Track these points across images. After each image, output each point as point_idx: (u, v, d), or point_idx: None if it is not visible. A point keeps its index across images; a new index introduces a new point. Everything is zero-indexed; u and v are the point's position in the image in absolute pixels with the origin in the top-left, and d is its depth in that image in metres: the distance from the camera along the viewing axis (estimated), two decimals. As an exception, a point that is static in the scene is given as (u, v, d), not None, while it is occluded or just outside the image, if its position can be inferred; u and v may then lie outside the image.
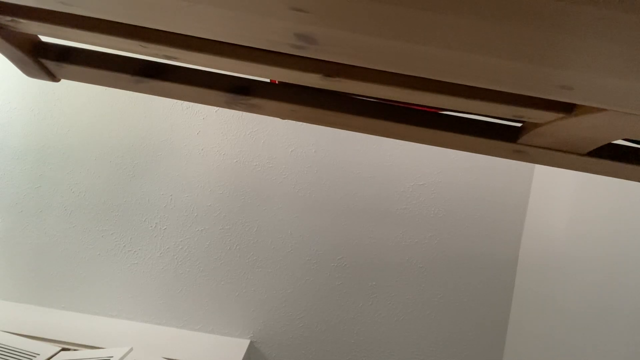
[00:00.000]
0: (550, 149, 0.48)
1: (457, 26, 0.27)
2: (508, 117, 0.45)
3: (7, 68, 1.20)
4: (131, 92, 1.18)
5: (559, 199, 1.08)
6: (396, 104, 0.49)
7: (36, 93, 1.26)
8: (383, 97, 0.46)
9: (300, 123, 1.23)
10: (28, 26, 0.41)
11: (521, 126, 0.48)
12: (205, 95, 0.50)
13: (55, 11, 0.39)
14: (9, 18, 0.39)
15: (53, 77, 0.51)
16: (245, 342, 1.25)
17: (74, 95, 1.25)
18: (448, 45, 0.29)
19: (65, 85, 1.23)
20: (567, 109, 0.39)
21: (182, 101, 1.05)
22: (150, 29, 0.40)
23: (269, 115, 0.52)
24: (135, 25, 0.39)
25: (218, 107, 1.14)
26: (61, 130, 1.26)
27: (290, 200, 1.25)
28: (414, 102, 0.46)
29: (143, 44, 0.40)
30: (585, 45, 0.26)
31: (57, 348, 1.08)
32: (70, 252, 1.27)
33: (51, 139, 1.26)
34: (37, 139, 1.26)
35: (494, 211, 1.23)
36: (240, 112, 1.22)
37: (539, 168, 1.21)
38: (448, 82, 0.38)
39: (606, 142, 0.45)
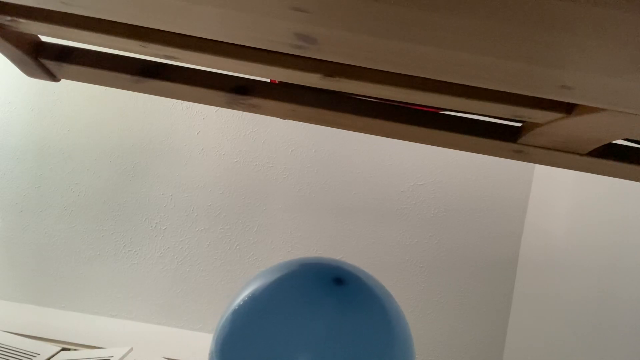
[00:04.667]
0: (550, 149, 0.48)
1: (457, 26, 0.27)
2: (508, 117, 0.45)
3: (7, 68, 1.20)
4: (131, 92, 1.18)
5: (559, 199, 1.08)
6: (396, 104, 0.49)
7: (36, 93, 1.25)
8: (383, 97, 0.46)
9: (300, 123, 1.23)
10: (28, 26, 0.41)
11: (521, 126, 0.48)
12: (205, 95, 0.50)
13: (55, 11, 0.39)
14: (9, 18, 0.39)
15: (53, 77, 0.51)
16: (245, 342, 1.25)
17: (74, 95, 1.25)
18: (448, 45, 0.29)
19: (65, 85, 1.23)
20: (567, 109, 0.39)
21: (182, 101, 1.05)
22: (150, 29, 0.40)
23: (269, 115, 0.52)
24: (135, 25, 0.39)
25: (218, 107, 1.14)
26: (61, 130, 1.26)
27: (291, 200, 1.25)
28: (414, 102, 0.46)
29: (143, 44, 0.40)
30: (585, 45, 0.26)
31: (57, 348, 1.08)
32: (70, 252, 1.27)
33: (51, 139, 1.26)
34: (37, 139, 1.26)
35: (494, 211, 1.23)
36: (240, 112, 1.22)
37: (539, 168, 1.21)
38: (448, 82, 0.38)
39: (606, 142, 0.45)
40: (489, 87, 0.34)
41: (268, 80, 0.50)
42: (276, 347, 0.55)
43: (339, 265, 0.64)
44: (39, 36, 0.48)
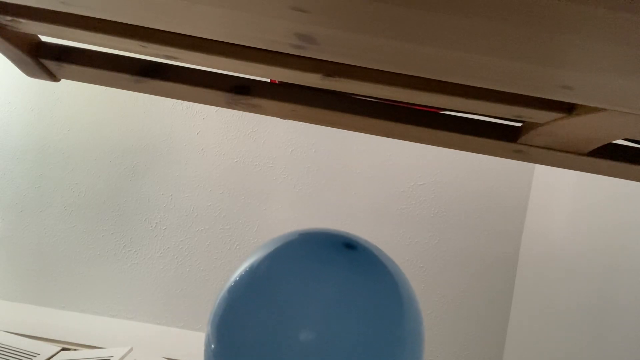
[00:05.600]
0: (550, 149, 0.48)
1: (457, 26, 0.27)
2: (508, 117, 0.45)
3: (7, 68, 1.20)
4: (131, 92, 1.18)
5: (559, 199, 1.08)
6: (396, 104, 0.49)
7: (36, 93, 1.25)
8: (383, 97, 0.46)
9: (300, 123, 1.23)
10: (28, 26, 0.41)
11: (521, 126, 0.48)
12: (205, 95, 0.50)
13: (55, 11, 0.39)
14: (9, 18, 0.39)
15: (53, 77, 0.51)
16: (245, 342, 1.25)
17: (74, 95, 1.25)
18: (448, 45, 0.29)
19: (65, 85, 1.23)
20: (567, 109, 0.39)
21: (182, 101, 1.05)
22: (150, 29, 0.40)
23: (269, 115, 0.52)
24: (135, 25, 0.39)
25: (218, 107, 1.14)
26: (61, 130, 1.26)
27: (290, 200, 1.25)
28: (414, 102, 0.46)
29: (143, 44, 0.40)
30: (585, 45, 0.26)
31: (57, 348, 1.08)
32: (70, 252, 1.27)
33: (51, 139, 1.26)
34: (37, 139, 1.26)
35: (494, 211, 1.23)
36: (240, 112, 1.22)
37: (539, 168, 1.21)
38: (448, 82, 0.38)
39: (606, 142, 0.45)
40: (489, 87, 0.34)
41: (268, 80, 0.50)
42: (286, 311, 0.51)
43: (345, 233, 0.62)
44: (39, 36, 0.48)
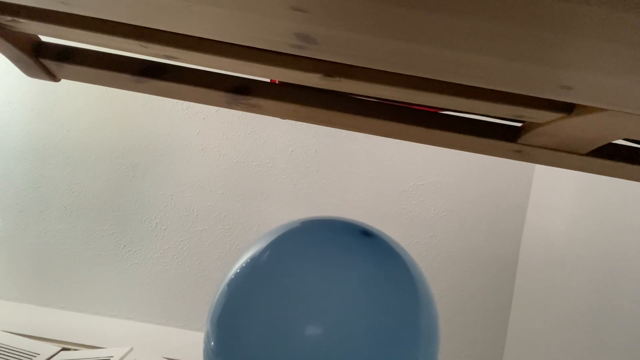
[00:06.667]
0: (550, 149, 0.48)
1: (457, 26, 0.27)
2: (508, 117, 0.45)
3: (7, 68, 1.20)
4: (131, 92, 1.18)
5: (559, 199, 1.08)
6: (396, 104, 0.49)
7: (36, 93, 1.25)
8: (383, 97, 0.46)
9: (300, 123, 1.23)
10: (28, 26, 0.41)
11: (521, 126, 0.48)
12: (205, 95, 0.50)
13: (55, 11, 0.39)
14: (9, 18, 0.39)
15: (53, 77, 0.51)
16: (245, 342, 1.25)
17: (74, 95, 1.25)
18: (448, 45, 0.29)
19: (66, 85, 1.23)
20: (567, 109, 0.39)
21: (182, 101, 1.05)
22: (150, 29, 0.40)
23: (269, 115, 0.52)
24: (136, 25, 0.39)
25: (218, 107, 1.14)
26: (61, 130, 1.26)
27: (290, 200, 1.25)
28: (414, 102, 0.46)
29: (143, 44, 0.40)
30: (585, 45, 0.26)
31: (57, 348, 1.08)
32: (70, 252, 1.27)
33: (51, 139, 1.26)
34: (37, 139, 1.26)
35: (494, 211, 1.23)
36: (240, 112, 1.22)
37: (539, 168, 1.21)
38: (448, 82, 0.38)
39: (606, 142, 0.45)
40: (489, 87, 0.34)
41: (268, 80, 0.50)
42: (297, 303, 0.47)
43: (355, 220, 0.59)
44: (39, 36, 0.48)
